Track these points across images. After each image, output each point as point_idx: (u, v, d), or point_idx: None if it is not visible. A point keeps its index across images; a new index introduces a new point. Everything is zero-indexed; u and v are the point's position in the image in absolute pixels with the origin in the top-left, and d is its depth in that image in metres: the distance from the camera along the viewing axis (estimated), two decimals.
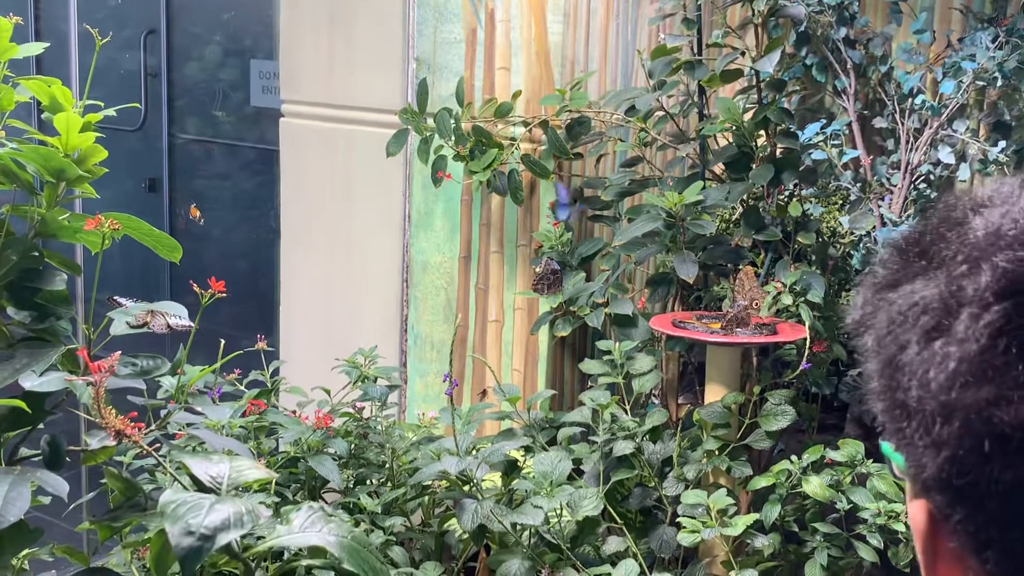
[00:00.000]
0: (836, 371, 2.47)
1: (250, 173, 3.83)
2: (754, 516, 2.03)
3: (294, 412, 2.30)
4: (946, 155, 2.28)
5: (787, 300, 2.22)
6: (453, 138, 2.55)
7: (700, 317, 2.26)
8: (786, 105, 2.38)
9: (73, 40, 4.09)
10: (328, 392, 2.39)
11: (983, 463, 0.53)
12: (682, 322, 2.23)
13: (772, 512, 2.04)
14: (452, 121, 2.54)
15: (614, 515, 2.16)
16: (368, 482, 2.28)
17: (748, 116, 2.32)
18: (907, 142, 2.34)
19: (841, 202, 2.42)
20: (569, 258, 2.53)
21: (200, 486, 1.36)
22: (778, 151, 2.34)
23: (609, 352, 2.28)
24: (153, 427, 1.53)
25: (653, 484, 2.18)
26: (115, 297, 1.65)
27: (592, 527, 2.08)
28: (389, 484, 2.27)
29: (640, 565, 2.02)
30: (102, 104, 1.62)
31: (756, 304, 2.21)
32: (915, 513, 0.59)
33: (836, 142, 2.35)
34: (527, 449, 2.27)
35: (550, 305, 2.55)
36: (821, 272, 2.31)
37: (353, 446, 2.27)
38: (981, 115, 2.36)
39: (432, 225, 2.83)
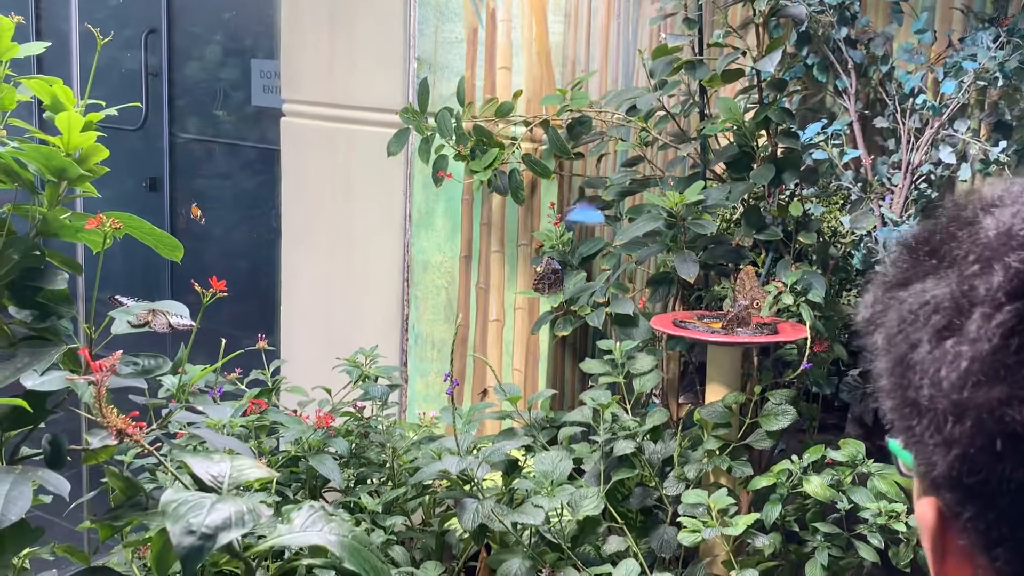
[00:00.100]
0: (837, 371, 2.47)
1: (251, 172, 3.83)
2: (755, 516, 2.03)
3: (295, 411, 2.30)
4: (947, 155, 2.28)
5: (788, 300, 2.22)
6: (454, 137, 2.55)
7: (701, 317, 2.26)
8: (787, 105, 2.38)
9: (74, 39, 4.09)
10: (329, 391, 2.39)
11: (995, 461, 0.53)
12: (683, 322, 2.23)
13: (773, 512, 2.04)
14: (453, 121, 2.54)
15: (615, 515, 2.16)
16: (369, 481, 2.28)
17: (749, 116, 2.32)
18: (908, 142, 2.34)
19: (842, 202, 2.42)
20: (570, 258, 2.53)
21: (201, 485, 1.36)
22: (779, 151, 2.35)
23: (610, 352, 2.28)
24: (154, 426, 1.53)
25: (654, 484, 2.18)
26: (116, 296, 1.65)
27: (593, 527, 2.08)
28: (390, 483, 2.28)
29: (641, 565, 2.02)
30: (103, 103, 1.62)
31: (757, 304, 2.21)
32: (923, 510, 0.60)
33: (837, 142, 2.35)
34: (528, 448, 2.27)
35: (551, 305, 2.55)
36: (822, 272, 2.31)
37: (354, 445, 2.27)
38: (982, 115, 2.36)
39: (433, 224, 2.83)
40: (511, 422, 2.40)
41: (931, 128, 2.31)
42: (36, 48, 1.68)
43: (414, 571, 2.08)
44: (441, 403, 2.72)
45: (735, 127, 2.30)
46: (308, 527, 1.42)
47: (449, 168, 2.59)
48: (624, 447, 2.14)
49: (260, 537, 1.42)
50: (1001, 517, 0.54)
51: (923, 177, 2.33)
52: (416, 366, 2.89)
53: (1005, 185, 0.61)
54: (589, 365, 2.33)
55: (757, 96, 2.38)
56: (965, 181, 2.32)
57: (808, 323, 2.16)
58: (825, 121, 2.37)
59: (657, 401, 2.52)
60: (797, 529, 2.10)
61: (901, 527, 1.94)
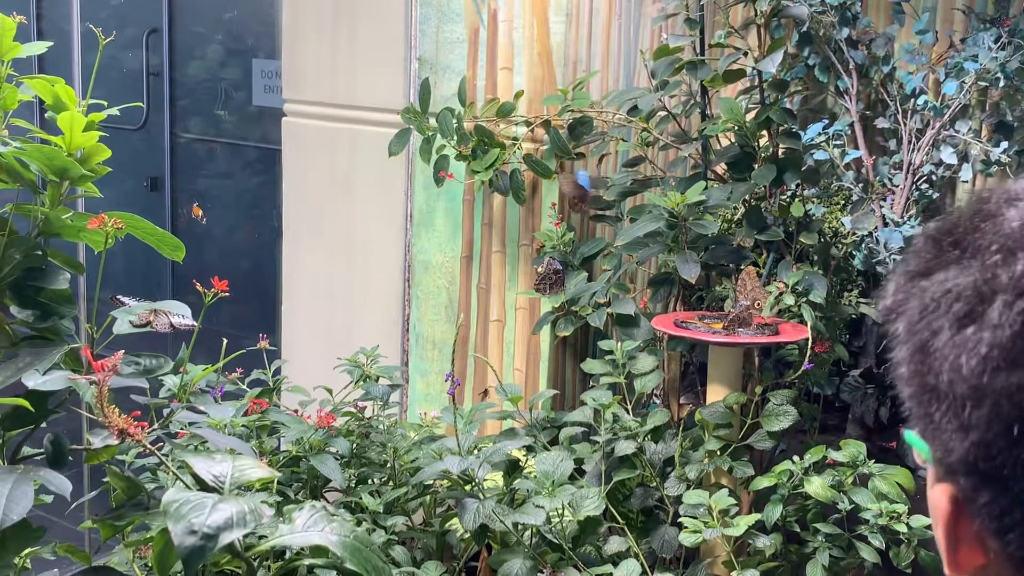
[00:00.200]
0: (838, 371, 2.47)
1: (252, 172, 3.83)
2: (756, 516, 2.03)
3: (296, 411, 2.30)
4: (948, 156, 2.28)
5: (789, 300, 2.22)
6: (455, 138, 2.55)
7: (702, 317, 2.26)
8: (788, 105, 2.38)
9: (75, 39, 4.09)
10: (330, 391, 2.39)
11: (1011, 447, 0.54)
12: (684, 322, 2.23)
13: (774, 512, 2.04)
14: (454, 121, 2.54)
15: (616, 515, 2.16)
16: (370, 481, 2.29)
17: (750, 116, 2.32)
18: (909, 142, 2.34)
19: (843, 202, 2.42)
20: (571, 258, 2.53)
21: (203, 485, 1.37)
22: (780, 151, 2.35)
23: (611, 352, 2.28)
24: (156, 426, 1.53)
25: (655, 484, 2.18)
26: (118, 296, 1.65)
27: (594, 527, 2.08)
28: (391, 483, 2.28)
29: (641, 565, 2.02)
30: (105, 103, 1.62)
31: (758, 304, 2.21)
32: (938, 498, 0.61)
33: (838, 142, 2.35)
34: (529, 449, 2.27)
35: (552, 305, 2.55)
36: (823, 272, 2.31)
37: (355, 445, 2.27)
38: (983, 116, 2.36)
39: (434, 224, 2.83)
40: (512, 422, 2.40)
41: (932, 129, 2.31)
42: (38, 48, 1.68)
43: (415, 571, 2.08)
44: (442, 403, 2.72)
45: (736, 127, 2.30)
46: (309, 527, 1.42)
47: (450, 168, 2.59)
48: (625, 447, 2.14)
49: (261, 537, 1.42)
50: (1015, 502, 0.55)
51: (924, 178, 2.33)
52: (417, 366, 2.89)
53: None
54: (590, 365, 2.33)
55: (758, 96, 2.38)
56: (966, 182, 2.33)
57: (809, 324, 2.16)
58: (826, 121, 2.37)
59: (658, 401, 2.52)
60: (798, 529, 2.10)
61: (902, 528, 1.94)
